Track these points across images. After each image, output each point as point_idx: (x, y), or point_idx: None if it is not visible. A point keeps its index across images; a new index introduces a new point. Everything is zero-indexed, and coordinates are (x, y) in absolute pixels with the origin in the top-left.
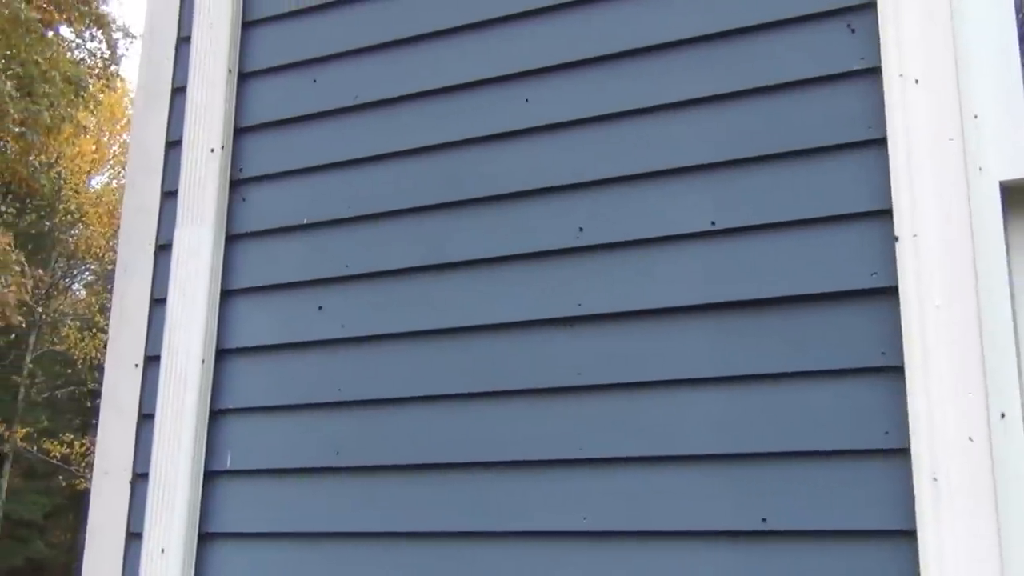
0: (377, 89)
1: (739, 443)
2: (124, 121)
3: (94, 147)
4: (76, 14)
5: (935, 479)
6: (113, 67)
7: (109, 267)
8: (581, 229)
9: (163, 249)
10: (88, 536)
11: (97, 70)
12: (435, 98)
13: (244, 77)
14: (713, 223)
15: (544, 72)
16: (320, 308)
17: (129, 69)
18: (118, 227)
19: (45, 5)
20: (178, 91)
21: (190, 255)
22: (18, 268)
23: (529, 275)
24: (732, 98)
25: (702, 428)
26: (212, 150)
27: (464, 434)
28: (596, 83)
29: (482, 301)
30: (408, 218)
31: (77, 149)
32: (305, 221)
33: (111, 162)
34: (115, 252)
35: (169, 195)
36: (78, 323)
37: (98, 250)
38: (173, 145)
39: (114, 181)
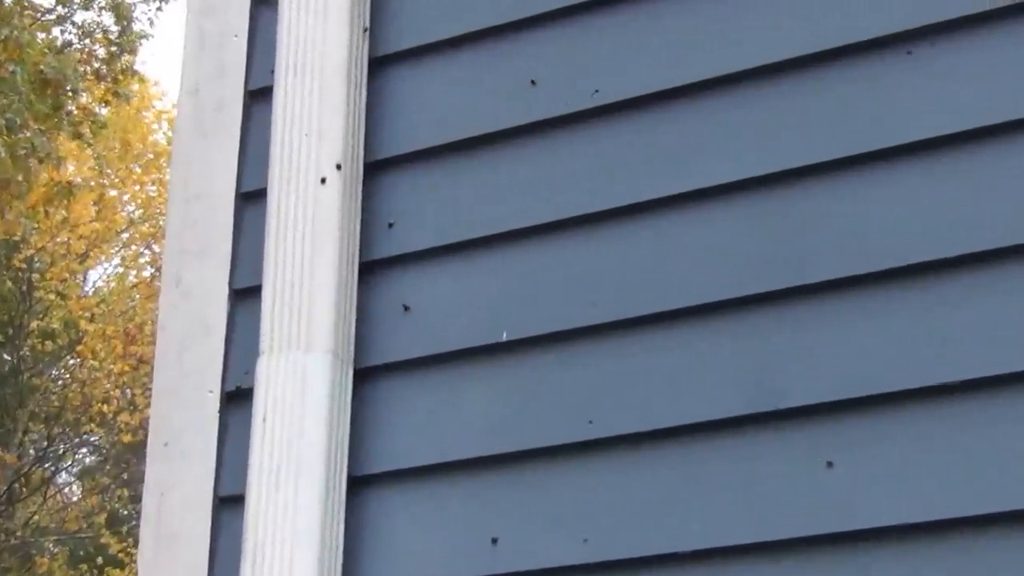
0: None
1: None
2: (150, 155)
3: (94, 208)
4: None
5: None
6: (127, 57)
7: (127, 438)
8: None
9: (235, 400)
10: None
11: (98, 63)
12: None
13: (383, 63)
14: None
15: None
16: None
17: (156, 65)
18: (142, 360)
19: None
20: (257, 96)
21: (285, 410)
22: None
23: None
24: None
25: None
26: (323, 180)
27: None
28: None
29: None
30: None
31: (62, 216)
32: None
33: (126, 236)
34: (137, 409)
35: (245, 293)
36: (68, 549)
37: (106, 406)
38: (251, 197)
39: (132, 273)
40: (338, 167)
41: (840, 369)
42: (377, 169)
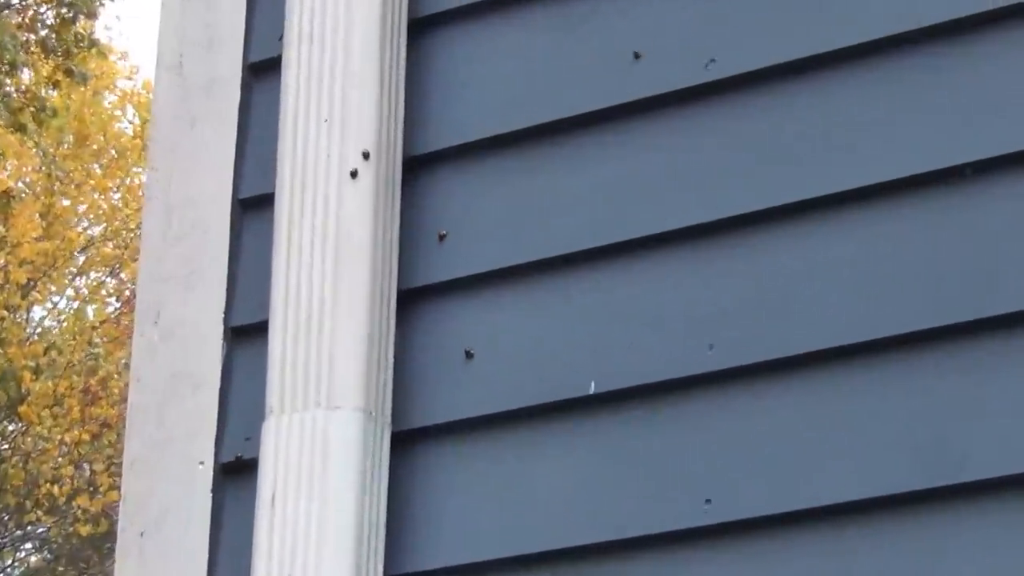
0: None
1: None
2: (114, 152)
3: (40, 223)
4: None
5: None
6: (84, 22)
7: (86, 530)
8: None
9: (233, 473)
10: None
11: (45, 31)
12: None
13: (427, 26)
14: None
15: None
16: None
17: (123, 33)
18: (106, 425)
19: None
20: (261, 71)
21: (301, 487)
22: None
23: None
24: None
25: None
26: (354, 174)
27: None
28: None
29: None
30: None
31: None
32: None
33: (83, 259)
34: (99, 491)
35: (246, 333)
36: None
37: (56, 488)
38: (252, 205)
39: (92, 309)
40: (365, 156)
41: None
42: (421, 165)
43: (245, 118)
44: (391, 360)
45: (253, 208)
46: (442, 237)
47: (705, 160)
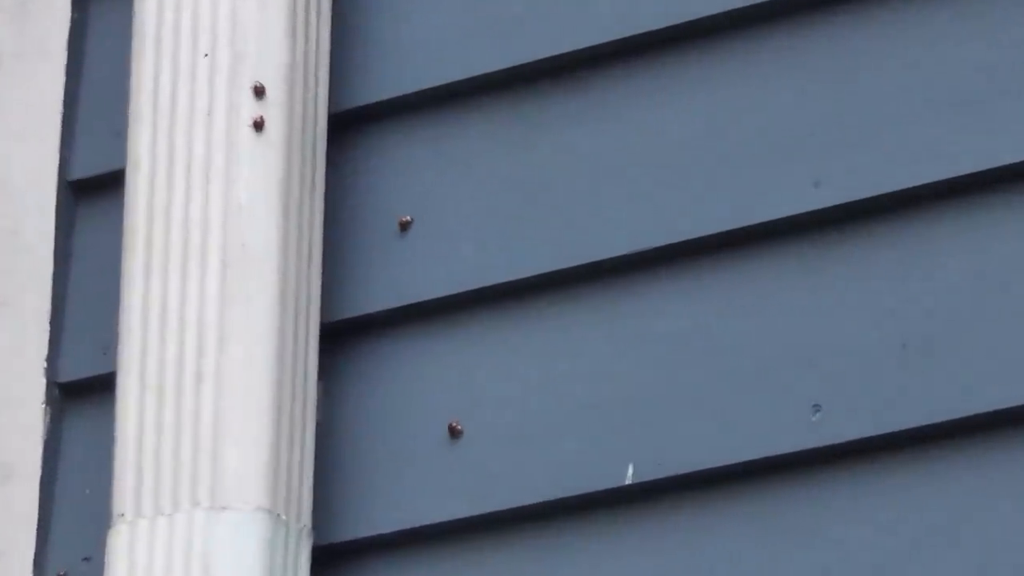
0: None
1: None
2: None
3: None
4: None
5: None
6: None
7: None
8: None
9: None
10: None
11: None
12: None
13: None
14: None
15: None
16: None
17: None
18: None
19: None
20: None
21: None
22: None
23: None
24: None
25: None
26: (257, 125)
27: None
28: None
29: None
30: None
31: None
32: None
33: None
34: None
35: (80, 392)
36: None
37: None
38: (89, 188)
39: None
40: (258, 125)
41: None
42: (359, 122)
43: (78, 54)
44: (311, 433)
45: (90, 193)
46: (404, 225)
47: (798, 114)
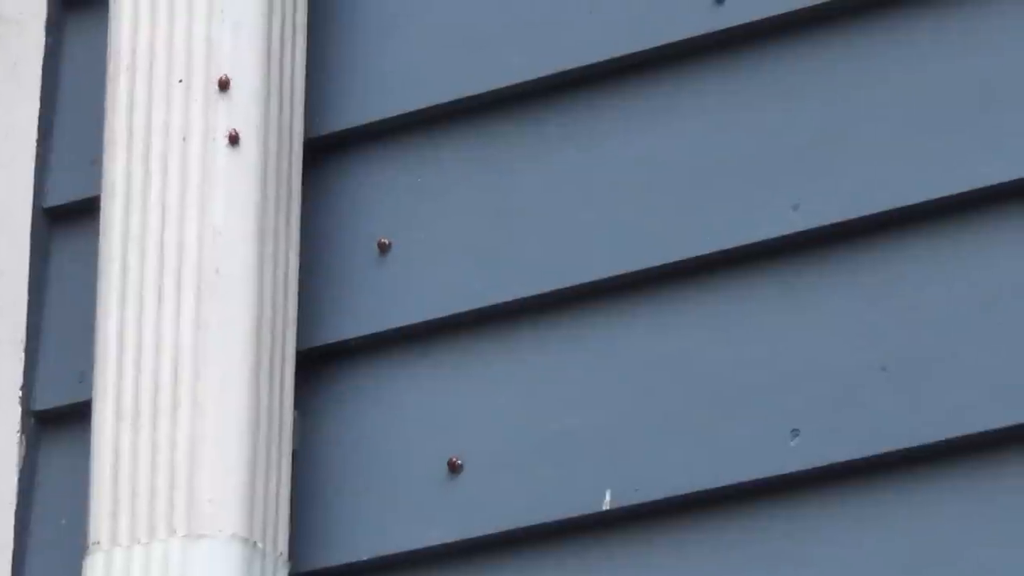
0: None
1: None
2: None
3: None
4: None
5: None
6: None
7: None
8: None
9: None
10: None
11: None
12: None
13: None
14: None
15: None
16: None
17: None
18: None
19: None
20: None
21: None
22: None
23: None
24: None
25: None
26: (233, 139)
27: None
28: None
29: None
30: None
31: None
32: None
33: None
34: None
35: (54, 422)
36: None
37: None
38: (63, 217)
39: None
40: (233, 140)
41: None
42: (337, 147)
43: (52, 78)
44: (287, 460)
45: (66, 221)
46: (384, 247)
47: (778, 138)
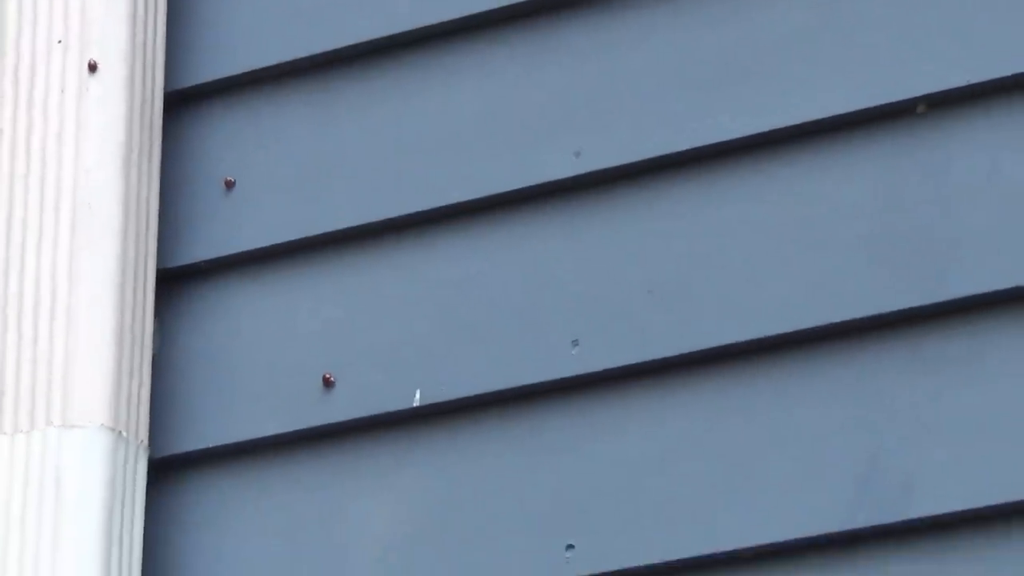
0: None
1: None
2: None
3: None
4: None
5: None
6: None
7: None
8: None
9: None
10: None
11: None
12: None
13: None
14: None
15: None
16: None
17: None
18: None
19: None
20: None
21: (27, 534)
22: None
23: None
24: None
25: None
26: (92, 67)
27: None
28: None
29: None
30: None
31: None
32: None
33: None
34: None
35: None
36: None
37: None
38: None
39: None
40: (92, 67)
41: None
42: (192, 98)
43: None
44: (148, 363)
45: None
46: (229, 184)
47: (562, 95)
